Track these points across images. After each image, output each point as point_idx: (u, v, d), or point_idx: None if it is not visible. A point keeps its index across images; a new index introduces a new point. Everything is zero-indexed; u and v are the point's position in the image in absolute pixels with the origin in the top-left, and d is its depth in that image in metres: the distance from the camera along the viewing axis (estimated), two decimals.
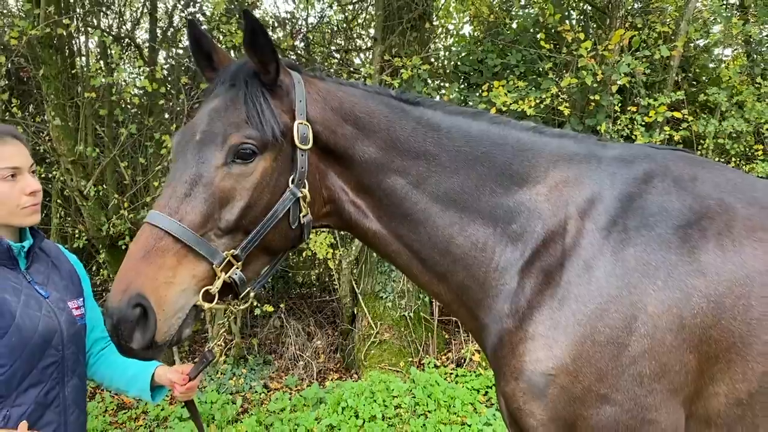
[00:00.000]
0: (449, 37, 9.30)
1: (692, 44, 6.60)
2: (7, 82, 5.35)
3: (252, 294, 1.99)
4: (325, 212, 2.08)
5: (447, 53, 7.43)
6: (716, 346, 1.82)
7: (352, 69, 8.19)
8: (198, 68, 2.15)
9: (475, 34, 8.18)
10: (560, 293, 1.92)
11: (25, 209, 1.98)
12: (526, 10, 6.97)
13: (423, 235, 2.08)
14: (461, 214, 2.06)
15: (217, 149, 1.83)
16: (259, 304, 7.09)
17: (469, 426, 5.22)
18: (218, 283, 1.78)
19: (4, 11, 6.94)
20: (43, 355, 1.96)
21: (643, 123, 5.82)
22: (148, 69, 5.89)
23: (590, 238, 1.96)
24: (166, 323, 1.72)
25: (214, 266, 1.78)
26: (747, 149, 6.00)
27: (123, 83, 6.31)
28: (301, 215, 1.92)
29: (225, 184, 1.82)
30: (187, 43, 7.81)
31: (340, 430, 5.10)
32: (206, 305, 1.76)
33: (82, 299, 2.20)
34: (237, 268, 1.83)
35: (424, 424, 5.25)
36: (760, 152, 6.10)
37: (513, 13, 7.24)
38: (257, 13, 8.14)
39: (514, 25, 7.00)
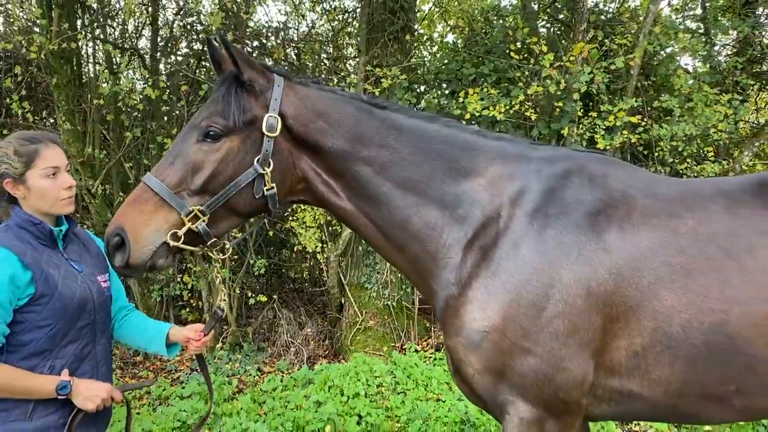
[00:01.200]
0: (433, 45, 9.75)
1: (655, 54, 7.01)
2: (25, 92, 5.71)
3: (228, 246, 2.55)
4: (300, 188, 2.52)
5: (428, 62, 7.83)
6: (617, 309, 2.25)
7: (340, 75, 8.60)
8: (215, 71, 2.60)
9: (458, 42, 8.60)
10: (493, 266, 2.34)
11: (63, 201, 2.39)
12: (501, 22, 7.39)
13: (385, 214, 2.50)
14: (417, 198, 2.47)
15: (195, 131, 2.33)
16: (253, 295, 7.49)
17: (444, 402, 5.62)
18: (184, 229, 2.27)
19: (15, 26, 7.31)
20: (79, 318, 2.37)
21: (605, 127, 6.25)
22: (150, 78, 6.28)
23: (518, 223, 2.38)
24: (139, 251, 2.24)
25: (182, 216, 2.26)
26: (699, 151, 6.44)
27: (127, 91, 6.67)
28: (265, 188, 2.36)
29: (197, 157, 2.30)
30: (185, 50, 8.27)
31: (326, 405, 5.51)
32: (173, 243, 2.26)
33: (107, 275, 2.61)
34: (202, 221, 2.30)
35: (402, 401, 5.65)
36: (711, 153, 6.56)
37: (488, 25, 7.65)
38: (251, 23, 8.52)
39: (490, 36, 7.40)
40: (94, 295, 2.45)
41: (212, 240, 2.36)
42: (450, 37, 9.65)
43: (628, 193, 2.41)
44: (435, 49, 9.26)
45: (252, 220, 2.76)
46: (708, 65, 7.06)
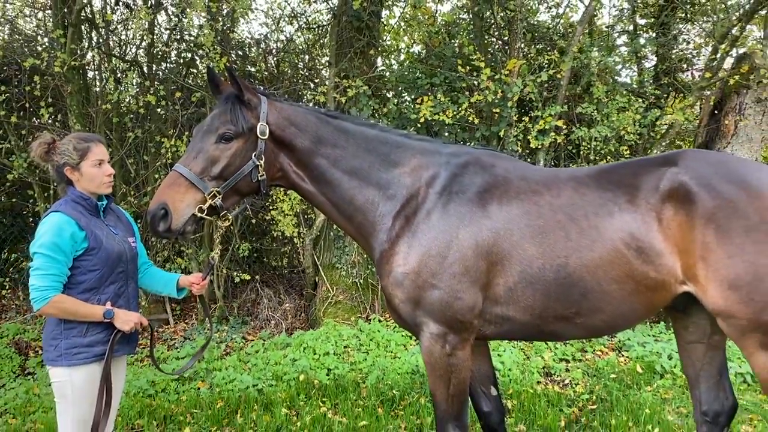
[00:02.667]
0: (400, 54, 10.58)
1: (581, 67, 7.92)
2: (50, 100, 6.45)
3: (230, 217, 3.31)
4: (279, 176, 3.38)
5: (389, 73, 8.69)
6: (495, 257, 3.13)
7: (315, 82, 9.39)
8: (211, 91, 3.44)
9: (421, 53, 9.45)
10: (413, 229, 3.23)
11: (105, 183, 3.22)
12: (452, 41, 8.27)
13: (337, 193, 3.38)
14: (360, 182, 3.36)
15: (213, 135, 3.16)
16: (238, 274, 8.29)
17: (399, 358, 6.49)
18: (206, 204, 3.09)
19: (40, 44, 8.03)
20: (117, 266, 3.21)
21: (538, 130, 7.15)
22: (150, 86, 7.07)
23: (431, 198, 3.27)
24: (177, 220, 3.04)
25: (205, 195, 3.08)
26: (615, 150, 7.37)
27: (130, 98, 7.44)
28: (258, 175, 3.21)
29: (215, 153, 3.14)
30: (181, 60, 9.01)
31: (301, 361, 6.36)
32: (198, 215, 3.07)
33: (134, 238, 3.45)
34: (218, 198, 3.12)
35: (365, 358, 6.51)
36: (627, 152, 7.49)
37: (442, 42, 8.52)
38: (233, 35, 9.26)
39: (443, 52, 8.26)
40: (126, 250, 3.29)
41: (224, 212, 3.21)
42: (416, 48, 10.51)
43: (507, 177, 3.31)
44: (402, 58, 10.11)
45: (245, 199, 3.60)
46: (631, 77, 7.99)
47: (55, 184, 7.65)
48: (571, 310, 3.12)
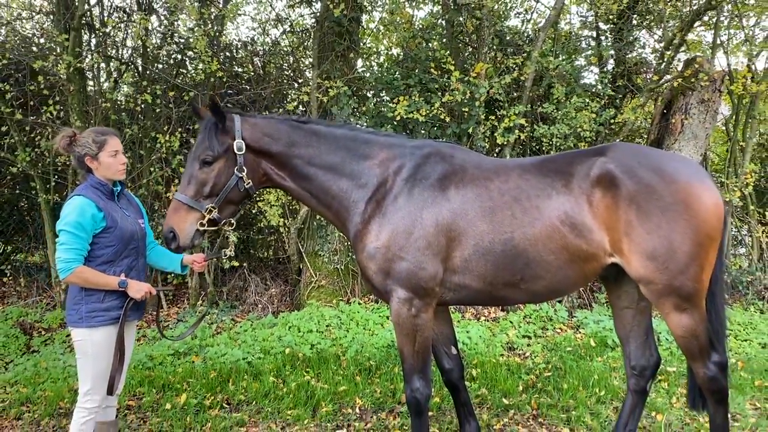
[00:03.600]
0: (380, 56, 11.05)
1: (544, 70, 8.43)
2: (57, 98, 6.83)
3: (233, 222, 3.81)
4: (264, 179, 3.86)
5: (368, 75, 9.16)
6: (453, 233, 3.62)
7: (300, 82, 9.82)
8: (196, 118, 3.90)
9: (399, 55, 9.92)
10: (383, 211, 3.71)
11: (119, 171, 3.68)
12: (426, 45, 8.74)
13: (315, 186, 3.85)
14: (333, 175, 3.83)
15: (197, 161, 3.65)
16: (228, 260, 8.72)
17: (377, 334, 6.98)
18: (206, 220, 3.60)
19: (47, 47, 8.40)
20: (130, 242, 3.66)
21: (504, 127, 7.66)
22: (148, 85, 7.48)
23: (398, 185, 3.75)
24: (184, 239, 3.56)
25: (203, 212, 3.59)
26: (574, 146, 7.89)
27: (126, 97, 7.84)
28: (245, 184, 3.69)
29: (201, 177, 3.63)
30: (171, 61, 9.41)
31: (286, 337, 6.83)
32: (201, 228, 3.59)
33: (143, 220, 3.90)
34: (215, 212, 3.62)
35: (345, 335, 7.01)
36: (585, 148, 8.00)
37: (417, 46, 8.99)
38: (222, 37, 9.67)
39: (417, 55, 8.73)
40: (137, 230, 3.74)
41: (223, 222, 3.70)
42: (394, 51, 10.97)
43: (464, 166, 3.81)
44: (382, 59, 10.57)
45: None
46: (595, 79, 8.51)
47: (56, 177, 8.06)
48: (517, 277, 3.62)
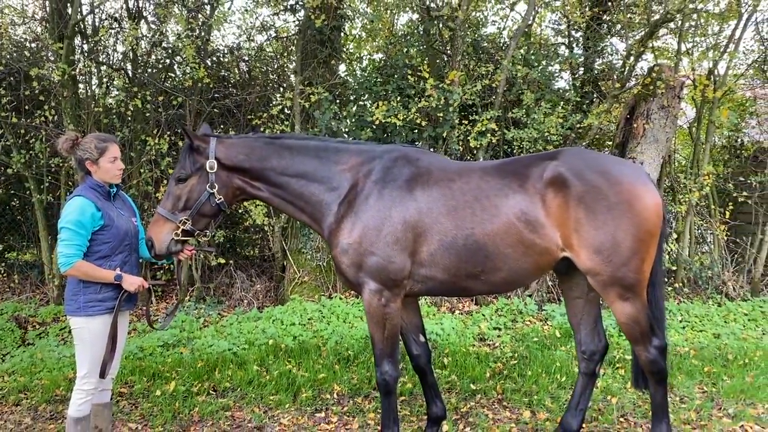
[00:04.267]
0: (363, 60, 11.35)
1: (514, 78, 8.76)
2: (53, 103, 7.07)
3: (209, 233, 4.14)
4: (239, 193, 4.17)
5: (349, 80, 9.47)
6: (420, 230, 3.92)
7: (284, 86, 10.09)
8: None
9: (380, 62, 10.22)
10: (355, 210, 4.00)
11: (116, 176, 3.95)
12: (404, 51, 9.05)
13: (289, 193, 4.14)
14: (306, 182, 4.11)
15: (174, 179, 4.00)
16: (215, 257, 9.00)
17: (356, 327, 7.30)
18: (180, 230, 3.92)
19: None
20: (124, 239, 3.93)
21: (477, 131, 7.99)
22: (138, 91, 7.74)
23: (368, 187, 4.04)
24: (159, 246, 3.92)
25: (177, 223, 3.91)
26: (543, 149, 8.22)
27: (118, 101, 8.07)
28: (216, 200, 3.99)
29: (177, 192, 3.97)
30: (160, 65, 9.64)
31: (270, 329, 7.13)
32: (176, 238, 3.92)
33: (135, 218, 4.18)
34: (188, 224, 3.94)
35: (326, 327, 7.31)
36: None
37: (398, 53, 9.29)
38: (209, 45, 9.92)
39: (396, 62, 9.04)
40: (131, 228, 4.02)
41: (197, 233, 4.03)
42: (376, 56, 11.27)
43: (429, 168, 4.12)
44: (365, 64, 10.87)
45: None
46: (568, 84, 8.86)
47: (49, 178, 8.30)
48: (478, 269, 3.93)
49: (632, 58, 8.36)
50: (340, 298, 8.41)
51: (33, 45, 9.28)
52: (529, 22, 8.79)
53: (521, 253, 3.88)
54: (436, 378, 5.47)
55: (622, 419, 4.98)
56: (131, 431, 4.77)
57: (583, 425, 4.66)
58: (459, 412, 5.11)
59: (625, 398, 5.37)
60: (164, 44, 9.28)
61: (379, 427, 4.33)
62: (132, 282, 3.85)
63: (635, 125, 8.30)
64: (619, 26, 9.66)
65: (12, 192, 8.86)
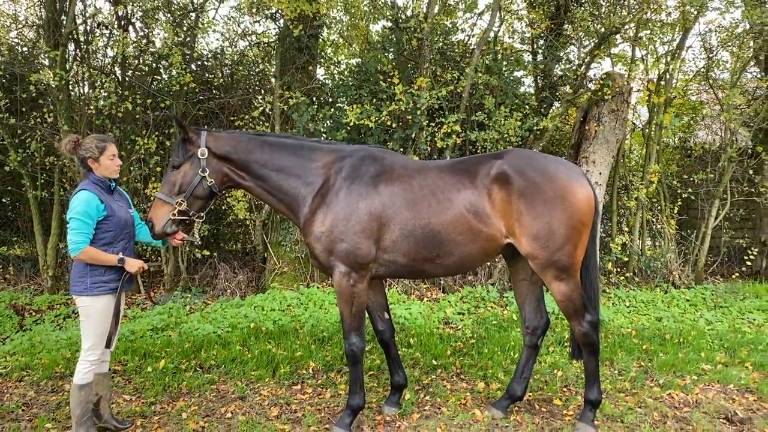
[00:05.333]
0: (340, 64, 11.80)
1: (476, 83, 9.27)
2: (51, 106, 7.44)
3: (203, 216, 4.56)
4: (226, 180, 4.59)
5: (330, 82, 9.93)
6: (383, 220, 4.39)
7: (265, 89, 10.50)
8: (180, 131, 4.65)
9: (357, 65, 10.69)
10: (327, 202, 4.46)
11: (115, 171, 4.38)
12: (378, 58, 9.52)
13: (270, 185, 4.58)
14: (285, 176, 4.56)
15: (170, 167, 4.44)
16: (199, 250, 9.41)
17: (331, 312, 7.77)
18: (176, 211, 4.34)
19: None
20: (124, 228, 4.35)
21: (444, 133, 8.50)
22: (130, 94, 8.14)
23: (339, 182, 4.51)
24: (158, 226, 4.35)
25: (173, 205, 4.34)
26: (504, 149, 8.74)
27: (110, 104, 8.44)
28: (208, 183, 4.42)
29: (173, 178, 4.41)
30: (146, 69, 10.00)
31: (251, 315, 7.58)
32: (173, 218, 4.34)
33: (131, 209, 4.62)
34: (184, 205, 4.36)
35: (304, 312, 7.77)
36: None
37: (372, 58, 9.76)
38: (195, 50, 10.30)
39: (369, 68, 9.51)
40: (129, 218, 4.46)
41: (192, 213, 4.44)
42: (353, 61, 11.72)
43: (392, 166, 4.60)
44: (343, 68, 11.33)
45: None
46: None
47: (44, 176, 8.65)
48: (433, 254, 4.42)
49: (583, 66, 8.92)
50: (318, 287, 8.87)
51: (25, 49, 9.63)
52: (492, 32, 9.29)
53: (470, 240, 4.38)
54: (402, 355, 5.98)
55: (564, 389, 5.52)
56: (126, 402, 5.19)
57: (529, 393, 5.20)
58: (421, 383, 5.61)
59: (570, 372, 5.91)
60: (151, 49, 9.66)
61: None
62: (133, 264, 4.28)
63: (588, 128, 8.87)
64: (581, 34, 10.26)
65: (9, 188, 9.19)
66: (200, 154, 4.40)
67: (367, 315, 4.94)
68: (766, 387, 5.47)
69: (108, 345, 4.24)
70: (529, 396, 5.22)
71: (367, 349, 5.95)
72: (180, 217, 4.39)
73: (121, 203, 4.48)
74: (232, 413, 4.90)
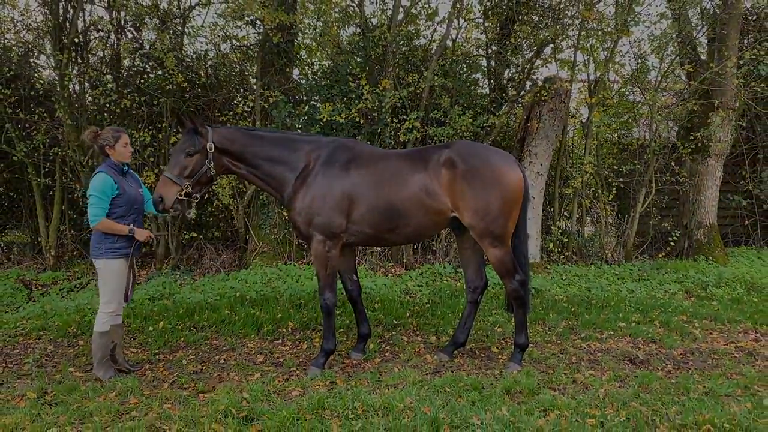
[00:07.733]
0: (314, 65, 12.43)
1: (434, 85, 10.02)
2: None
3: (198, 197, 5.17)
4: (224, 169, 5.23)
5: (302, 84, 10.59)
6: (353, 198, 5.09)
7: (245, 88, 11.09)
8: (180, 126, 5.25)
9: (329, 66, 11.33)
10: (307, 184, 5.14)
11: (127, 156, 5.02)
12: (348, 61, 10.21)
13: (261, 171, 5.25)
14: (274, 163, 5.24)
15: (183, 153, 5.00)
16: (186, 233, 10.00)
17: (306, 285, 8.47)
18: (183, 192, 4.94)
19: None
20: (134, 204, 5.00)
21: (406, 128, 9.23)
22: (128, 93, 8.70)
23: (317, 167, 5.20)
24: (168, 203, 4.91)
25: (182, 186, 4.94)
26: None
27: (109, 101, 8.98)
28: (211, 172, 5.07)
29: (185, 163, 4.98)
30: (138, 69, 10.53)
31: (237, 286, 8.23)
32: (180, 198, 4.92)
33: (141, 189, 5.26)
34: (190, 188, 4.96)
35: (282, 285, 8.46)
36: None
37: (342, 61, 10.44)
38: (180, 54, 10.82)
39: (341, 69, 10.18)
40: (138, 196, 5.10)
41: (194, 194, 5.06)
42: (326, 62, 12.35)
43: (361, 154, 5.31)
44: (316, 68, 11.95)
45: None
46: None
47: (47, 165, 9.15)
48: (393, 225, 5.15)
49: (525, 71, 9.75)
50: (294, 265, 9.55)
51: (25, 51, 10.07)
52: (449, 40, 10.04)
53: (423, 213, 5.13)
54: (368, 316, 6.71)
55: (501, 341, 6.32)
56: (134, 353, 5.83)
57: (472, 343, 5.98)
58: (383, 338, 6.36)
59: (508, 329, 6.72)
60: (141, 51, 10.19)
61: None
62: (142, 233, 4.94)
63: (530, 125, 9.71)
64: (524, 43, 11.09)
65: (16, 176, 9.66)
66: (209, 148, 5.02)
67: (339, 277, 5.65)
68: (667, 338, 6.35)
69: (126, 299, 4.89)
70: (471, 345, 6.01)
71: (337, 310, 6.67)
72: (185, 197, 5.02)
73: (132, 184, 5.11)
74: (224, 360, 5.58)
